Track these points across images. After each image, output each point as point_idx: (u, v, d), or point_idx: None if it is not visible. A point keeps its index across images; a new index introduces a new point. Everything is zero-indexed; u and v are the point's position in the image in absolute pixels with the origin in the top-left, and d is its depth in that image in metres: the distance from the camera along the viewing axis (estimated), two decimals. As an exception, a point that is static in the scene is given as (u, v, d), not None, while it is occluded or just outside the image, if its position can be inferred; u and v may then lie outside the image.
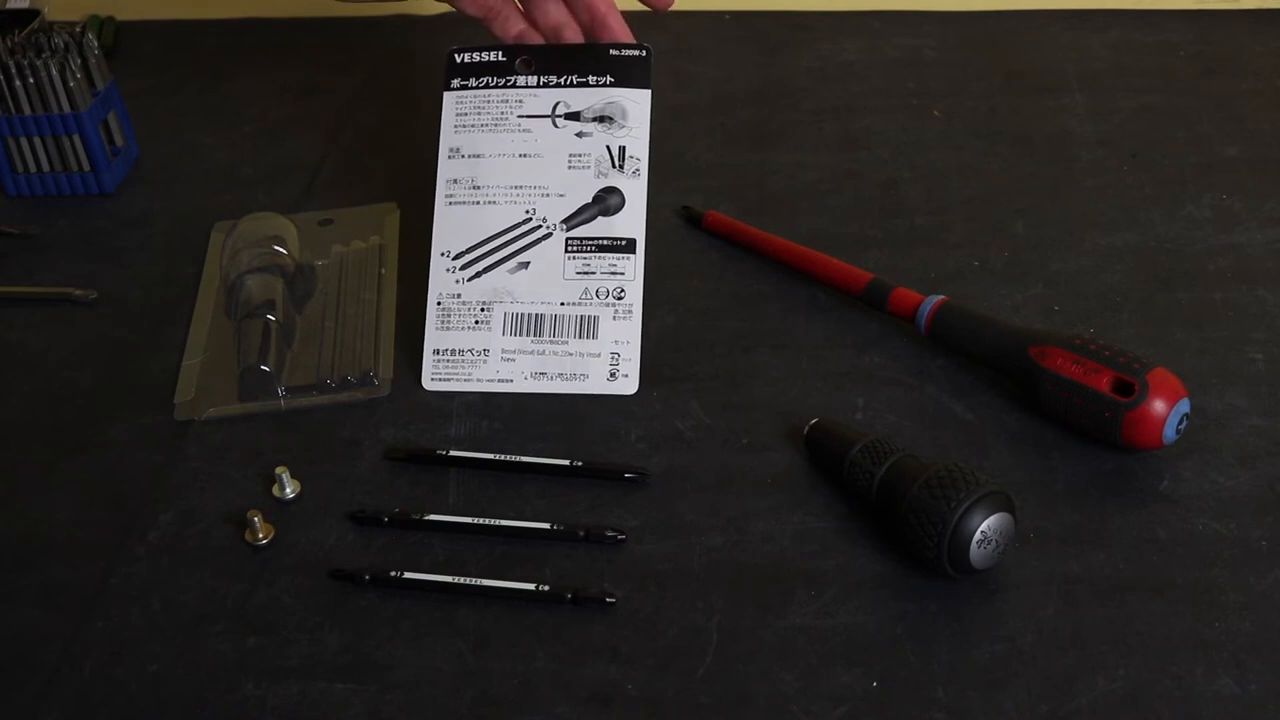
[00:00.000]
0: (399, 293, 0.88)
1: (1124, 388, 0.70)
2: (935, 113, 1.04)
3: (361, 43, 1.19)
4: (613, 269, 0.81)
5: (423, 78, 1.13)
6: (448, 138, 0.85)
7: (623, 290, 0.80)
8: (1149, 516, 0.69)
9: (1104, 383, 0.71)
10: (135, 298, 0.90)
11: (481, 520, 0.71)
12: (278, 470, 0.74)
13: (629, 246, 0.81)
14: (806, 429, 0.73)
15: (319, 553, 0.71)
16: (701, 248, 0.91)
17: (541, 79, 0.85)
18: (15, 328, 0.88)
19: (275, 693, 0.64)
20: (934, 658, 0.63)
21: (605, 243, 0.81)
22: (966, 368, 0.79)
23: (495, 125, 0.84)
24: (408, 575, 0.68)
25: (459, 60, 0.86)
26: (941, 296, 0.79)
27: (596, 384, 0.79)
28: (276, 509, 0.73)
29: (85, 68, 0.98)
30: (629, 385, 0.79)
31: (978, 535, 0.64)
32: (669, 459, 0.75)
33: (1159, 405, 0.70)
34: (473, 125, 0.85)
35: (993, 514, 0.64)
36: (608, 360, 0.79)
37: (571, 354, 0.80)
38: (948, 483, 0.65)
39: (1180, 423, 0.70)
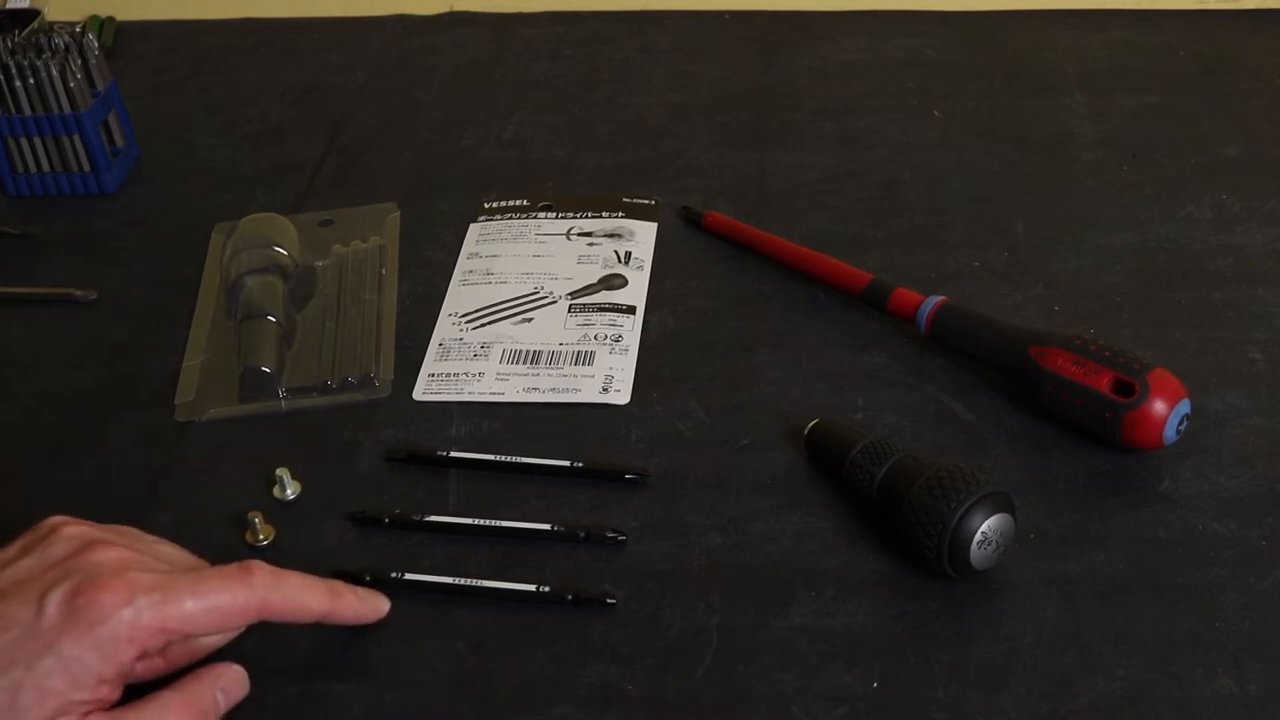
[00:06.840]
0: (399, 293, 0.88)
1: (1124, 388, 0.70)
2: (935, 113, 1.03)
3: (361, 43, 1.19)
4: (612, 323, 0.83)
5: (423, 78, 1.13)
6: (469, 247, 0.92)
7: (620, 336, 0.82)
8: (1149, 516, 0.69)
9: (1104, 383, 0.71)
10: (135, 298, 0.90)
11: (481, 521, 0.71)
12: (278, 471, 0.74)
13: (629, 310, 0.84)
14: (807, 429, 0.73)
15: (319, 553, 0.71)
16: (701, 248, 0.91)
17: (559, 214, 0.94)
18: (15, 328, 0.88)
19: (275, 693, 0.64)
20: (934, 658, 0.63)
21: (607, 306, 0.85)
22: (966, 368, 0.79)
23: (514, 239, 0.92)
24: (408, 576, 0.68)
25: (486, 206, 0.96)
26: (942, 296, 0.79)
27: (588, 397, 0.79)
28: (277, 510, 0.73)
29: (85, 68, 0.98)
30: (621, 398, 0.79)
31: (978, 536, 0.64)
32: (669, 459, 0.75)
33: (1159, 405, 0.69)
34: (493, 238, 0.93)
35: (993, 514, 0.64)
36: (601, 380, 0.79)
37: (565, 375, 0.80)
38: (948, 483, 0.65)
39: (1180, 423, 0.70)
